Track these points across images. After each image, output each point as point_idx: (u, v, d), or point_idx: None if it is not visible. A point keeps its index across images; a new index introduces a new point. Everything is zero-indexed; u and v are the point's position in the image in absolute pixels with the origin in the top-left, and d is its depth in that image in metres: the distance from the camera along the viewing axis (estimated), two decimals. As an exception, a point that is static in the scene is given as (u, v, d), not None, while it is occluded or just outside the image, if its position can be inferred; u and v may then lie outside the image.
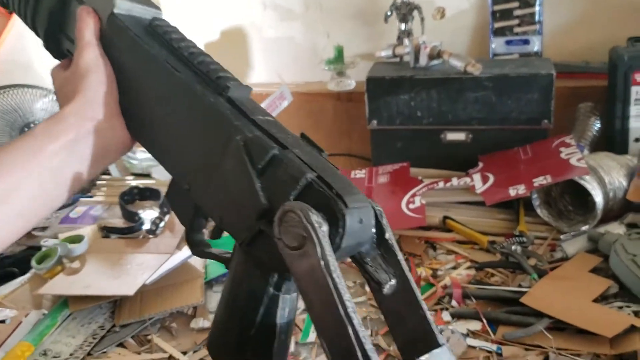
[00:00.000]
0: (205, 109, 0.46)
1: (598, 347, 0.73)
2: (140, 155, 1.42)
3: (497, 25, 1.34)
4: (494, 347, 0.77)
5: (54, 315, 0.89)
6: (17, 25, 1.56)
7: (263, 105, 1.24)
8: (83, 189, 1.33)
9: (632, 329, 0.74)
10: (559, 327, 0.77)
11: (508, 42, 1.34)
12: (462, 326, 0.81)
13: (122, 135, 0.51)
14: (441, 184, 1.13)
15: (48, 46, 0.58)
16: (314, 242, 0.36)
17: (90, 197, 1.32)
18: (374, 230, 0.42)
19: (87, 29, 0.52)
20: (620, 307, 0.80)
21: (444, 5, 1.34)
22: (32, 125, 1.41)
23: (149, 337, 0.85)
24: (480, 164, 1.15)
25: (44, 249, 1.04)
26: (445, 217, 1.08)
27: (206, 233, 0.52)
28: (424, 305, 0.41)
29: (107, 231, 1.12)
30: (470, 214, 1.11)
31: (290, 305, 0.45)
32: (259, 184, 0.41)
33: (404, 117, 1.21)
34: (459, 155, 1.18)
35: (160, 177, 1.36)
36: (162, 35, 0.50)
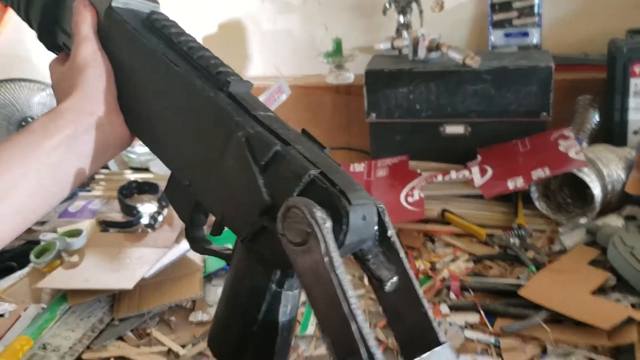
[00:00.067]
0: (205, 104, 0.45)
1: (595, 339, 0.74)
2: (139, 150, 1.41)
3: (496, 17, 1.34)
4: (491, 339, 0.77)
5: (53, 309, 0.89)
6: (14, 18, 1.54)
7: (261, 98, 1.24)
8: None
9: (630, 320, 0.75)
10: (556, 319, 0.78)
11: (507, 35, 1.33)
12: (460, 318, 0.81)
13: (121, 130, 0.51)
14: (440, 177, 1.13)
15: (42, 38, 0.57)
16: (318, 238, 0.36)
17: (89, 191, 1.32)
18: (376, 227, 0.42)
19: (85, 22, 0.51)
20: (618, 300, 0.81)
21: (442, -3, 1.33)
22: (29, 119, 1.40)
23: (148, 330, 0.85)
24: (479, 157, 1.15)
25: (42, 243, 1.04)
26: (444, 210, 1.08)
27: (206, 229, 0.51)
28: (425, 303, 0.41)
29: (105, 225, 1.12)
30: (469, 207, 1.11)
31: (293, 303, 0.44)
32: (262, 180, 0.41)
33: (402, 110, 1.20)
34: (458, 148, 1.18)
35: (159, 171, 1.36)
36: (160, 29, 0.50)
